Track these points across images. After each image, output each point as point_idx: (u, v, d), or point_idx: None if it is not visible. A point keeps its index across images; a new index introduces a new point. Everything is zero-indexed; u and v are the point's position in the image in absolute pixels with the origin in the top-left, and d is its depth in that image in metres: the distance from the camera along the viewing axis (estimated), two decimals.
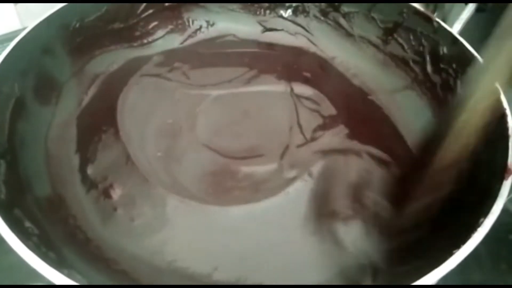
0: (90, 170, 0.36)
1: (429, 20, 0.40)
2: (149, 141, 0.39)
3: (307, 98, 0.44)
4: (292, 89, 0.45)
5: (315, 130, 0.41)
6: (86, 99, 0.41)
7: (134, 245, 0.32)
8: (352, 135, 0.40)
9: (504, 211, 0.26)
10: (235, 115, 0.43)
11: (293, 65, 0.47)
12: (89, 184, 0.35)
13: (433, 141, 0.30)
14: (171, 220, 0.34)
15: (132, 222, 0.33)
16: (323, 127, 0.41)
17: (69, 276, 0.22)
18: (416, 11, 0.41)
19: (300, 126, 0.41)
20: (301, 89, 0.45)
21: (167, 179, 0.37)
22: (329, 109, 0.43)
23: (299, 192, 0.36)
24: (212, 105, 0.43)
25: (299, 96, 0.44)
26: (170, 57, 0.47)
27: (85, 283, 0.22)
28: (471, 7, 0.44)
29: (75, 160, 0.37)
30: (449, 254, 0.24)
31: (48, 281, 0.22)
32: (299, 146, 0.40)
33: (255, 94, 0.45)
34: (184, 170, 0.38)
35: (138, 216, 0.34)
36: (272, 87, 0.45)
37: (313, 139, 0.40)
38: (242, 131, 0.41)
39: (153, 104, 0.42)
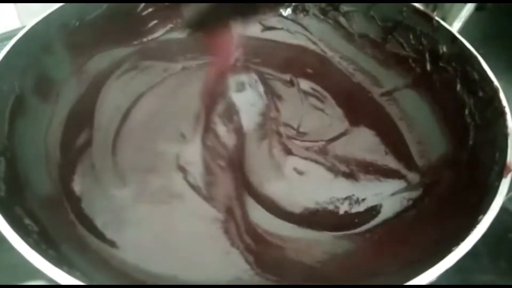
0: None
1: (428, 19, 0.40)
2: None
3: (311, 94, 0.45)
4: (298, 84, 0.45)
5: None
6: (84, 96, 0.41)
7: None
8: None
9: (504, 209, 0.26)
10: None
11: (294, 61, 0.48)
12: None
13: None
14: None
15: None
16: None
17: (69, 273, 0.22)
18: (416, 10, 0.41)
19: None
20: (304, 84, 0.46)
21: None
22: (332, 106, 0.44)
23: None
24: None
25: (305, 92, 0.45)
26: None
27: (85, 280, 0.22)
28: (470, 6, 0.44)
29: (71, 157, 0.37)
30: (448, 251, 0.24)
31: (48, 278, 0.22)
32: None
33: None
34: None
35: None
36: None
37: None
38: None
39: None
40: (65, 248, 0.28)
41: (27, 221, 0.27)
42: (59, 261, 0.23)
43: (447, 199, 0.32)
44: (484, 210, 0.26)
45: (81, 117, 0.40)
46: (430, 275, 0.23)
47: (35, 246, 0.23)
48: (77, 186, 0.35)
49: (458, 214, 0.29)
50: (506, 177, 0.27)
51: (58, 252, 0.27)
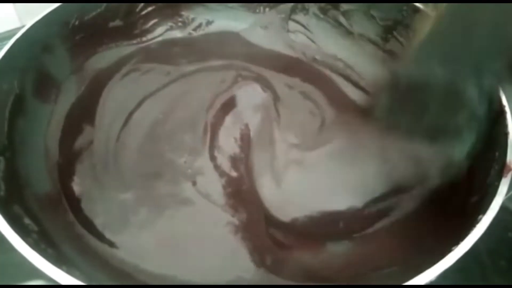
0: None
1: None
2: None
3: (312, 96, 0.44)
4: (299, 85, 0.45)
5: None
6: (84, 95, 0.41)
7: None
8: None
9: (504, 209, 0.26)
10: None
11: (294, 62, 0.48)
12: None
13: None
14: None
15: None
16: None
17: (68, 272, 0.22)
18: (416, 9, 0.41)
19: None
20: (306, 86, 0.45)
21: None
22: (328, 107, 0.43)
23: None
24: None
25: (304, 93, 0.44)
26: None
27: (84, 279, 0.22)
28: None
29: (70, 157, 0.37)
30: (448, 250, 0.24)
31: (48, 278, 0.22)
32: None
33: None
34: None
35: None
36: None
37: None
38: None
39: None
40: (64, 247, 0.28)
41: (26, 220, 0.27)
42: (58, 261, 0.23)
43: (447, 198, 0.32)
44: (484, 210, 0.26)
45: (81, 118, 0.40)
46: (430, 275, 0.23)
47: (35, 245, 0.23)
48: (77, 187, 0.35)
49: (458, 213, 0.29)
50: (506, 176, 0.27)
51: (57, 252, 0.27)
